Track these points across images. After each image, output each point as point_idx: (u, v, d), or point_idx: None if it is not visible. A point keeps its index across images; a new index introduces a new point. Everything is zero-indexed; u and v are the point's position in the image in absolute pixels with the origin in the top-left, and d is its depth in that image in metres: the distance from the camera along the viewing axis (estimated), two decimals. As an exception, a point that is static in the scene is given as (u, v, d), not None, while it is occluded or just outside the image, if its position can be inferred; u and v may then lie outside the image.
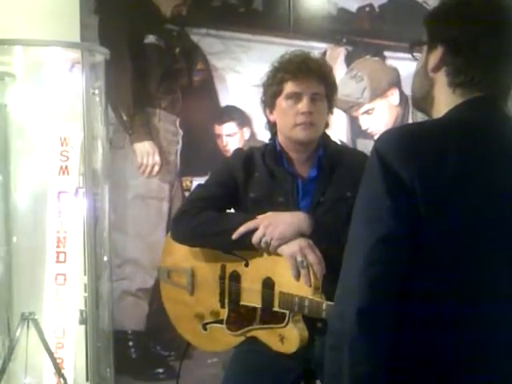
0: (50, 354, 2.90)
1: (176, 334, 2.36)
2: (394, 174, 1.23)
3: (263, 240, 2.02)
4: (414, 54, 1.49)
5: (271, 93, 2.17)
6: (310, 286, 1.95)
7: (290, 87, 2.13)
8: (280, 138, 2.22)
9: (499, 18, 1.35)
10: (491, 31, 1.33)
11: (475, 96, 1.35)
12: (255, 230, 2.04)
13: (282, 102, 2.15)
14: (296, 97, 2.13)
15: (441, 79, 1.38)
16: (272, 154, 2.21)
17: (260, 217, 2.06)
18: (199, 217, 2.15)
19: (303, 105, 2.11)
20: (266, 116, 2.25)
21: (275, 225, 2.01)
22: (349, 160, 2.18)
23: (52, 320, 3.08)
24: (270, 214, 2.07)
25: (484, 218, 1.26)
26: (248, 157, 2.24)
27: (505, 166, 1.29)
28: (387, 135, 1.31)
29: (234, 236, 2.04)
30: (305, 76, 2.12)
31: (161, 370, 3.54)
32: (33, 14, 3.20)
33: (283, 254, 2.00)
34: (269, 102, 2.20)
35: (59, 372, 2.93)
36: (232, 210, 2.26)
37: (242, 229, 2.04)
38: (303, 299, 1.96)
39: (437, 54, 1.37)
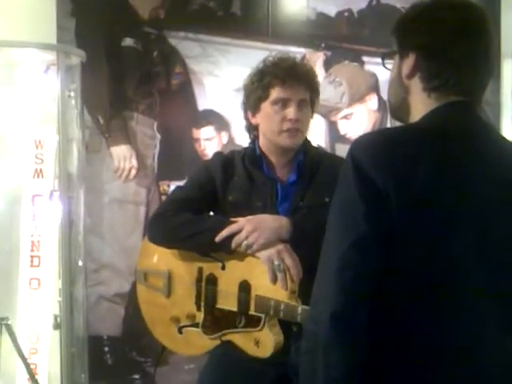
0: (24, 359, 2.86)
1: (152, 339, 2.33)
2: (367, 178, 1.24)
3: (245, 243, 2.00)
4: (386, 65, 1.49)
5: (256, 96, 2.14)
6: (287, 289, 1.94)
7: (277, 92, 2.10)
8: (262, 142, 2.20)
9: (468, 18, 1.35)
10: (461, 33, 1.33)
11: (450, 100, 1.35)
12: (237, 232, 2.02)
13: (267, 107, 2.13)
14: (283, 102, 2.10)
15: (416, 86, 1.38)
16: (251, 157, 2.20)
17: (242, 219, 2.04)
18: (176, 218, 2.13)
19: (291, 111, 2.09)
20: (248, 118, 2.22)
21: (260, 230, 1.99)
22: (328, 166, 2.17)
23: (26, 325, 3.04)
24: (253, 217, 2.04)
25: (457, 222, 1.26)
26: (228, 160, 2.22)
27: (479, 170, 1.29)
28: (362, 140, 1.31)
29: (217, 239, 2.02)
30: (293, 82, 2.10)
31: (137, 376, 3.51)
32: (9, 14, 3.17)
33: (260, 256, 1.99)
34: (252, 105, 2.17)
35: (33, 378, 2.89)
36: (211, 213, 2.24)
37: (225, 232, 2.02)
38: (279, 303, 1.94)
39: (409, 61, 1.38)
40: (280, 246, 1.98)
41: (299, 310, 1.88)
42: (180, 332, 2.22)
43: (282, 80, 2.09)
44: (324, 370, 1.22)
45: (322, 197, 2.09)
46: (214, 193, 2.19)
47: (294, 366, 1.89)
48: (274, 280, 1.96)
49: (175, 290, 2.24)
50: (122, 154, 3.46)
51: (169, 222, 2.14)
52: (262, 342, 2.00)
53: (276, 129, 2.12)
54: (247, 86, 2.19)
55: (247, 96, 2.19)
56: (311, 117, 2.21)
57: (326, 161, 2.22)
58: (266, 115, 2.14)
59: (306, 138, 2.23)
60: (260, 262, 2.00)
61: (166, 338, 2.28)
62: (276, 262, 1.95)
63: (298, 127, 2.12)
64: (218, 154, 2.31)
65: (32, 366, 2.97)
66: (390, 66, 1.48)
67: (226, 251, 2.05)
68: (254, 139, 2.24)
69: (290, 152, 2.17)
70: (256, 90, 2.14)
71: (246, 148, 2.27)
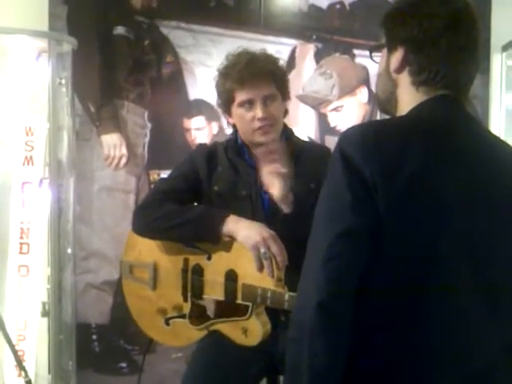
0: (12, 346, 2.86)
1: (140, 328, 2.34)
2: (355, 170, 1.24)
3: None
4: (374, 58, 1.50)
5: (224, 100, 2.18)
6: (273, 277, 1.95)
7: (240, 96, 2.13)
8: (241, 136, 2.23)
9: (457, 12, 1.36)
10: (450, 26, 1.34)
11: (438, 94, 1.36)
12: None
13: (236, 110, 2.16)
14: (249, 103, 2.13)
15: (404, 79, 1.39)
16: (234, 147, 2.22)
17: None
18: (160, 209, 2.14)
19: (257, 112, 2.11)
20: (226, 118, 2.26)
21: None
22: (311, 153, 2.21)
23: (14, 312, 3.04)
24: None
25: (443, 215, 1.26)
26: (211, 151, 2.24)
27: (465, 164, 1.30)
28: (350, 131, 1.32)
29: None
30: (252, 82, 2.10)
31: (124, 365, 3.51)
32: (0, 1, 3.15)
33: (246, 245, 1.99)
34: (224, 109, 2.22)
35: (20, 364, 2.89)
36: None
37: None
38: (266, 290, 1.95)
39: (398, 55, 1.39)
40: (265, 234, 1.98)
41: (286, 296, 1.89)
42: (167, 324, 2.23)
43: (241, 83, 2.10)
44: (308, 358, 1.23)
45: (307, 184, 2.11)
46: (199, 184, 2.21)
47: (282, 355, 1.92)
48: (261, 268, 1.97)
49: (161, 281, 2.24)
50: (112, 143, 3.46)
51: (153, 213, 2.14)
52: (250, 331, 2.01)
53: (248, 128, 2.15)
54: (216, 89, 2.21)
55: (219, 97, 2.22)
56: (285, 100, 2.22)
57: (309, 149, 2.26)
58: (237, 117, 2.17)
59: (288, 128, 2.25)
60: (246, 251, 2.00)
61: (153, 330, 2.28)
62: (262, 250, 1.96)
63: (269, 123, 2.13)
64: (200, 146, 2.33)
65: (20, 353, 2.97)
66: (378, 60, 1.48)
67: (211, 241, 2.06)
68: (236, 131, 2.26)
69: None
70: (222, 94, 2.18)
71: (228, 139, 2.29)
